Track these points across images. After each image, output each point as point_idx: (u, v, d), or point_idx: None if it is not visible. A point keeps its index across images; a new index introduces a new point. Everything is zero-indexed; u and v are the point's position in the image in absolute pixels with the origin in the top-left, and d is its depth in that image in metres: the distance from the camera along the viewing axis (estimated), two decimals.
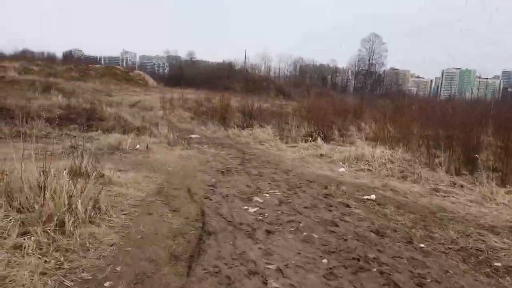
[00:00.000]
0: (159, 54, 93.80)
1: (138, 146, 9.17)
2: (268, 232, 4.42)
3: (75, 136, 10.57)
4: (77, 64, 44.30)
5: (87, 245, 3.68)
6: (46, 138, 9.95)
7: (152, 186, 6.13)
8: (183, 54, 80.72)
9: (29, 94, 21.80)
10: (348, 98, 34.83)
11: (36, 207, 4.21)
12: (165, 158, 8.43)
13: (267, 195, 6.01)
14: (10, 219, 3.96)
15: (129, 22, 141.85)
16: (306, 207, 5.44)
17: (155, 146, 10.12)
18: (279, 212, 5.17)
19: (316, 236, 4.29)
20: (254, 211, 5.13)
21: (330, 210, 5.33)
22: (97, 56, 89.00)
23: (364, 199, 6.08)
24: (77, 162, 6.20)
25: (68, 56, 77.11)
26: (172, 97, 26.98)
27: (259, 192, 6.21)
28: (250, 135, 16.07)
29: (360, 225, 4.78)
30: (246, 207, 5.33)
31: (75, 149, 8.22)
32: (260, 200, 5.67)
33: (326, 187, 6.75)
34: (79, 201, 4.28)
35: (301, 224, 4.67)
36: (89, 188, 4.80)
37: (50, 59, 58.83)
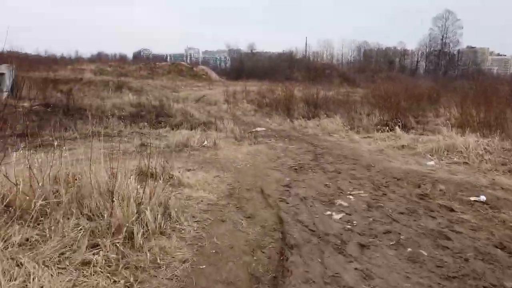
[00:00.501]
0: (220, 48, 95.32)
1: (205, 142, 8.86)
2: (362, 246, 3.69)
3: (144, 134, 10.62)
4: (145, 63, 46.36)
5: (158, 261, 3.26)
6: (118, 136, 10.07)
7: (223, 186, 5.68)
8: (243, 47, 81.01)
9: (103, 94, 22.99)
10: (420, 82, 32.13)
11: (105, 215, 3.92)
12: (233, 154, 7.99)
13: (351, 197, 5.24)
14: (81, 229, 3.70)
15: (192, 18, 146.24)
16: (401, 213, 4.59)
17: (222, 142, 9.76)
18: (370, 219, 4.39)
19: (425, 254, 3.47)
20: (340, 218, 4.41)
21: (433, 217, 4.42)
22: (163, 54, 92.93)
23: (470, 201, 5.05)
24: (146, 162, 5.95)
25: (137, 56, 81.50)
26: (235, 90, 26.87)
27: (341, 193, 5.45)
28: (318, 126, 15.19)
29: (478, 237, 3.84)
30: (329, 212, 4.63)
31: (145, 147, 8.12)
32: (344, 204, 4.92)
33: (419, 186, 5.78)
34: (148, 208, 3.91)
35: (402, 236, 3.86)
36: (158, 193, 4.44)
37: (121, 59, 62.46)
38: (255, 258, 3.42)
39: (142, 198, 4.05)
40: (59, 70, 31.69)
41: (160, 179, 5.63)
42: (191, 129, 15.19)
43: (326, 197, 5.24)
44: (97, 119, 17.15)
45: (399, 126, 11.71)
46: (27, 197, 4.05)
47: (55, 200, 4.20)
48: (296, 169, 7.04)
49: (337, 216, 4.45)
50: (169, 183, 5.53)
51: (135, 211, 3.80)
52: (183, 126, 17.41)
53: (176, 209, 4.32)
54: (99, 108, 18.05)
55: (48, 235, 3.58)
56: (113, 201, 3.90)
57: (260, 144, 9.89)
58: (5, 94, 17.12)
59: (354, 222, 4.29)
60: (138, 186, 4.34)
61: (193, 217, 4.38)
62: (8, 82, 17.54)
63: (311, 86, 28.29)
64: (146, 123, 13.72)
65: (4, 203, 4.01)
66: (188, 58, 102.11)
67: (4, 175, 4.25)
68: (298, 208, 4.78)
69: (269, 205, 4.92)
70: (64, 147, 6.06)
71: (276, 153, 8.55)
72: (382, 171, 6.84)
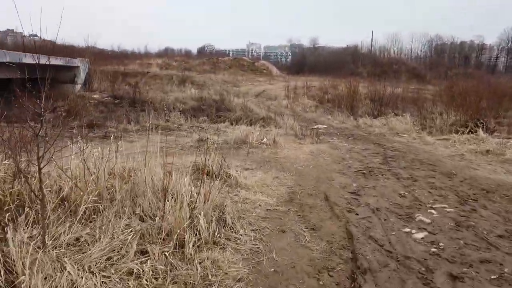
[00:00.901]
0: (282, 43, 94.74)
1: (264, 139, 8.44)
2: (454, 277, 2.99)
3: (204, 128, 10.48)
4: (208, 58, 47.29)
5: (210, 277, 2.86)
6: (178, 130, 10.01)
7: (283, 189, 5.19)
8: (305, 42, 79.71)
9: (167, 88, 23.62)
10: (501, 79, 28.91)
11: (157, 217, 3.63)
12: (294, 154, 7.47)
13: (433, 211, 4.47)
14: (131, 231, 3.43)
15: (254, 13, 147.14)
16: (500, 236, 3.76)
17: (282, 139, 9.28)
18: (461, 241, 3.63)
19: None
20: (422, 238, 3.70)
21: None
22: (226, 50, 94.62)
23: None
24: (202, 159, 5.65)
25: (201, 51, 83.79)
26: (296, 85, 26.21)
27: (420, 205, 4.69)
28: (384, 125, 14.10)
29: None
30: (407, 229, 3.93)
31: (203, 142, 7.89)
32: (426, 220, 4.18)
33: None
34: (202, 214, 3.54)
35: (505, 269, 3.09)
36: (213, 195, 4.07)
37: (186, 54, 64.48)
38: (321, 283, 2.89)
39: (196, 201, 3.70)
40: (129, 64, 33.33)
41: (216, 178, 5.30)
42: (250, 125, 14.92)
43: (402, 210, 4.52)
44: (160, 112, 17.63)
45: (482, 127, 10.34)
46: (81, 192, 3.89)
47: (108, 196, 4.02)
48: (364, 173, 6.33)
49: (418, 235, 3.75)
50: (225, 183, 5.17)
51: (188, 216, 3.45)
52: (242, 121, 17.25)
53: (231, 215, 3.92)
54: (162, 101, 18.49)
55: (98, 235, 3.36)
56: (165, 202, 3.60)
57: (323, 143, 9.24)
58: (79, 86, 18.21)
59: (441, 244, 3.56)
60: (193, 188, 4.00)
61: (250, 224, 3.94)
62: (82, 75, 18.59)
63: (377, 82, 26.76)
64: (206, 117, 13.63)
65: (59, 197, 3.89)
66: (250, 53, 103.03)
67: (59, 168, 4.14)
68: (370, 222, 4.13)
69: (336, 215, 4.33)
70: (120, 141, 5.93)
71: (340, 154, 7.87)
72: (466, 180, 5.88)
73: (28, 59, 12.37)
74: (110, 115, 16.36)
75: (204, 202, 3.71)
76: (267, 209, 4.39)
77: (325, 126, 15.14)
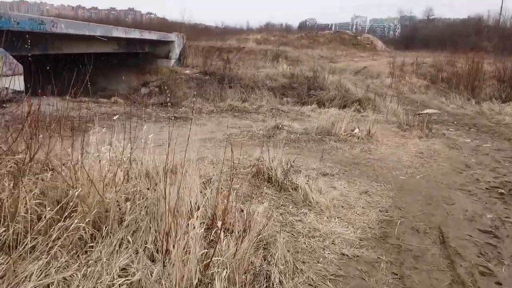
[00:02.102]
0: (390, 15, 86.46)
1: (356, 130, 6.62)
2: None
3: (285, 112, 9.01)
4: (307, 32, 44.94)
5: None
6: (256, 113, 8.72)
7: (372, 215, 3.51)
8: (418, 13, 71.09)
9: (260, 63, 22.53)
10: None
11: (160, 262, 2.38)
12: (395, 153, 5.57)
13: None
14: (124, 280, 2.26)
15: None
16: None
17: (380, 130, 7.34)
18: None
19: None
20: None
21: None
22: (328, 24, 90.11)
23: None
24: (267, 157, 4.25)
25: (303, 26, 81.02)
26: (403, 61, 22.75)
27: None
28: None
29: None
30: None
31: (278, 130, 6.46)
32: None
33: None
34: (228, 268, 2.17)
35: None
36: (258, 226, 2.66)
37: (286, 29, 62.72)
38: None
39: (213, 254, 2.32)
40: (227, 39, 33.15)
41: (278, 188, 3.86)
42: (344, 107, 12.94)
43: None
44: (247, 89, 16.65)
45: None
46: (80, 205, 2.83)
47: (117, 215, 2.90)
48: (502, 193, 4.22)
49: None
50: (289, 198, 3.70)
51: (196, 278, 2.10)
52: (336, 101, 15.31)
53: (282, 265, 2.47)
54: (252, 78, 17.43)
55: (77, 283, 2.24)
56: (167, 243, 2.31)
57: (435, 137, 7.03)
58: (173, 62, 18.17)
59: None
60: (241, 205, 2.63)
61: (311, 282, 2.45)
62: (177, 50, 18.48)
63: (507, 58, 21.84)
64: (288, 99, 12.14)
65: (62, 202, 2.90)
66: (354, 27, 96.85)
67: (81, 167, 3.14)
68: None
69: (460, 280, 2.56)
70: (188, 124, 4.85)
71: (461, 157, 5.70)
72: None
73: (119, 33, 12.25)
74: (198, 91, 15.99)
75: (234, 255, 2.29)
76: (343, 254, 2.82)
77: (437, 111, 12.40)
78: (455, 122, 9.87)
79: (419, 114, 11.80)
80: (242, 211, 3.34)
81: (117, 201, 2.94)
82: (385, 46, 40.91)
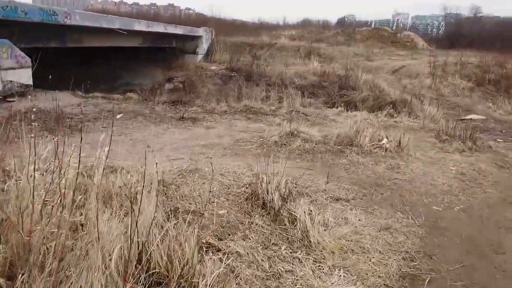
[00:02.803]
0: (434, 12, 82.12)
1: (384, 141, 5.62)
2: None
3: (306, 115, 8.09)
4: (343, 29, 43.20)
5: None
6: (272, 115, 7.84)
7: (393, 265, 2.61)
8: (464, 11, 66.79)
9: (290, 60, 21.53)
10: None
11: None
12: (429, 172, 4.56)
13: None
14: None
15: None
16: None
17: (413, 140, 6.31)
18: None
19: None
20: None
21: None
22: (367, 20, 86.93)
23: None
24: (263, 175, 3.44)
25: (341, 22, 78.58)
26: (446, 61, 20.93)
27: None
28: None
29: None
30: None
31: (293, 137, 5.61)
32: None
33: None
34: None
35: None
36: None
37: (324, 25, 60.89)
38: None
39: None
40: (260, 35, 32.32)
41: (274, 216, 3.06)
42: (376, 109, 11.81)
43: None
44: (273, 87, 15.77)
45: None
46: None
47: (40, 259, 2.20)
48: None
49: None
50: (284, 236, 2.88)
51: None
52: (367, 103, 14.15)
53: None
54: (280, 75, 16.53)
55: None
56: None
57: (481, 152, 5.88)
58: (199, 57, 17.62)
59: None
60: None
61: None
62: (204, 45, 17.92)
63: None
64: (312, 100, 11.20)
65: None
66: (395, 24, 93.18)
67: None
68: None
69: None
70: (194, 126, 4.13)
71: None
72: None
73: (141, 26, 11.78)
74: (222, 88, 15.34)
75: None
76: None
77: (483, 117, 11.02)
78: (504, 131, 8.57)
79: (461, 119, 10.50)
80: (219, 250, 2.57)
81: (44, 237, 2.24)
82: (427, 45, 38.45)
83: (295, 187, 3.61)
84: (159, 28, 13.30)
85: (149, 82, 14.85)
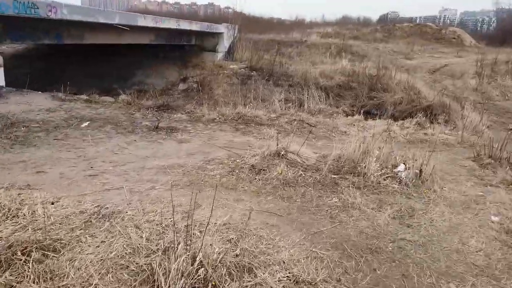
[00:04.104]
0: (485, 8, 76.05)
1: (400, 168, 4.12)
2: None
3: (310, 125, 6.66)
4: (382, 25, 40.53)
5: None
6: (269, 126, 6.47)
7: None
8: None
9: (319, 58, 19.90)
10: None
11: None
12: (457, 228, 3.05)
13: None
14: None
15: None
16: None
17: (443, 164, 4.76)
18: None
19: None
20: None
21: None
22: (412, 17, 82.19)
23: None
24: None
25: (383, 19, 74.80)
26: (495, 59, 18.37)
27: None
28: None
29: None
30: None
31: (278, 159, 4.29)
32: None
33: None
34: None
35: None
36: None
37: (364, 23, 57.94)
38: None
39: None
40: (292, 33, 30.79)
41: None
42: (406, 116, 10.09)
43: None
44: (295, 87, 14.32)
45: None
46: None
47: None
48: None
49: None
50: None
51: None
52: (400, 107, 12.43)
53: None
54: (304, 75, 15.02)
55: None
56: None
57: None
58: (220, 55, 16.49)
59: None
60: None
61: None
62: (226, 43, 16.79)
63: None
64: (321, 106, 9.74)
65: None
66: (442, 21, 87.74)
67: None
68: None
69: None
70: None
71: None
72: None
73: (147, 22, 10.83)
74: (238, 88, 14.11)
75: None
76: None
77: None
78: None
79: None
80: None
81: None
82: (475, 41, 35.03)
83: (237, 257, 2.33)
84: (170, 24, 12.29)
85: (162, 81, 13.97)
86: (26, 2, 6.77)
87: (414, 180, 3.92)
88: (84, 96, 7.42)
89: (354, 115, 8.64)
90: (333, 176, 3.94)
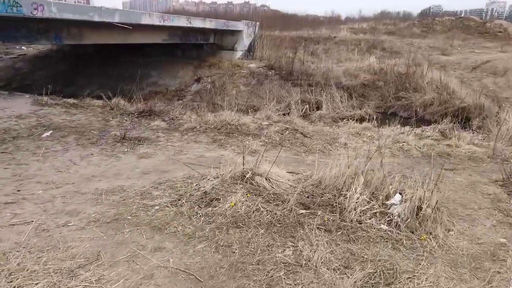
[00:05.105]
0: None
1: (395, 199, 3.08)
2: None
3: (305, 136, 5.65)
4: (421, 19, 37.89)
5: None
6: (255, 136, 5.56)
7: None
8: None
9: (345, 55, 18.55)
10: None
11: None
12: None
13: None
14: None
15: None
16: None
17: (460, 191, 3.68)
18: None
19: None
20: None
21: None
22: (457, 11, 76.99)
23: None
24: None
25: (425, 13, 70.63)
26: None
27: None
28: None
29: None
30: None
31: (240, 183, 3.45)
32: None
33: None
34: None
35: None
36: None
37: (404, 17, 54.81)
38: None
39: None
40: (322, 28, 29.37)
41: None
42: (436, 120, 8.71)
43: None
44: (316, 87, 13.19)
45: None
46: None
47: None
48: None
49: None
50: None
51: None
52: (430, 109, 11.09)
53: None
54: (325, 73, 13.87)
55: None
56: None
57: None
58: (239, 54, 15.69)
59: None
60: None
61: None
62: (245, 41, 15.98)
63: None
64: (319, 112, 8.70)
65: None
66: (488, 14, 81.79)
67: None
68: None
69: None
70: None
71: None
72: None
73: (153, 19, 10.24)
74: (254, 89, 13.24)
75: None
76: None
77: None
78: None
79: None
80: None
81: None
82: None
83: None
84: (180, 22, 11.64)
85: (176, 82, 13.42)
86: (7, 1, 6.33)
87: (409, 220, 2.91)
88: (71, 100, 6.92)
89: (368, 120, 7.45)
90: (300, 211, 3.01)
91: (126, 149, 4.60)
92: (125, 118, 5.92)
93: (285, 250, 2.50)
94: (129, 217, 2.89)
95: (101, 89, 11.16)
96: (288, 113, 11.40)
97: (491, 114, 9.24)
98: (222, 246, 2.51)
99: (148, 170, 4.01)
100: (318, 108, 11.72)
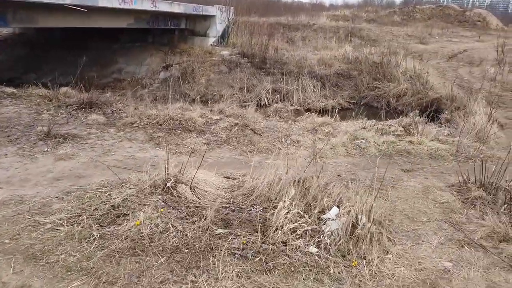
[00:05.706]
0: None
1: (330, 214, 2.66)
2: None
3: (256, 133, 5.18)
4: (402, 7, 37.50)
5: None
6: (200, 132, 5.05)
7: None
8: None
9: (321, 44, 18.00)
10: None
11: None
12: None
13: None
14: None
15: None
16: None
17: (411, 198, 3.28)
18: None
19: None
20: None
21: None
22: None
23: None
24: None
25: (408, 1, 70.22)
26: None
27: None
28: None
29: None
30: None
31: (163, 194, 2.96)
32: None
33: None
34: None
35: None
36: None
37: (387, 5, 54.24)
38: None
39: None
40: (302, 15, 28.64)
41: None
42: (408, 112, 8.35)
43: None
44: (288, 76, 12.66)
45: None
46: None
47: None
48: None
49: None
50: None
51: None
52: (403, 99, 10.79)
53: None
54: (299, 62, 13.33)
55: None
56: None
57: None
58: (211, 40, 14.95)
59: None
60: None
61: None
62: (218, 27, 15.23)
63: None
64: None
65: None
66: (470, 2, 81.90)
67: None
68: None
69: None
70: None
71: None
72: None
73: (112, 2, 9.44)
74: (225, 78, 12.63)
75: None
76: None
77: None
78: None
79: None
80: None
81: None
82: (502, 24, 31.78)
83: None
84: (144, 5, 10.85)
85: (144, 69, 12.68)
86: None
87: (342, 240, 2.47)
88: (10, 89, 6.21)
89: (331, 114, 6.97)
90: (218, 231, 2.54)
91: (46, 149, 4.02)
92: (61, 111, 5.30)
93: (182, 286, 2.03)
94: (6, 241, 2.36)
95: (63, 75, 10.35)
96: (258, 104, 10.94)
97: (462, 105, 8.93)
98: (103, 283, 2.02)
99: (62, 175, 3.46)
100: (290, 98, 11.26)
